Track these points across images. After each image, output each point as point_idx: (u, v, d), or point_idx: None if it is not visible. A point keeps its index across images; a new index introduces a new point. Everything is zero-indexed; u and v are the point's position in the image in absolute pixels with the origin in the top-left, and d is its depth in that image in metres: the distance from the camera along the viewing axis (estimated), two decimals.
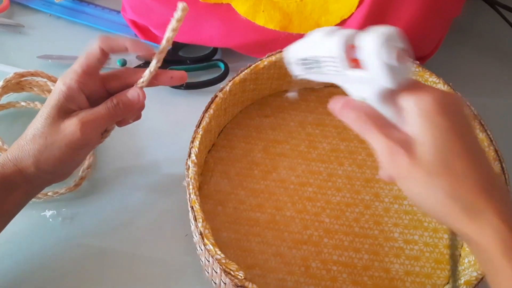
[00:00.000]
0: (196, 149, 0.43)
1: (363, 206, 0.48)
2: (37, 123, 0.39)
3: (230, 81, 0.47)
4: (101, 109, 0.39)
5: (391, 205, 0.48)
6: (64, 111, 0.39)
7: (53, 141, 0.38)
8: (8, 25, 0.60)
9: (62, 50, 0.58)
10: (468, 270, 0.41)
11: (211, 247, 0.38)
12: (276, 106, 0.54)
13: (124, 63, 0.56)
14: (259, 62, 0.48)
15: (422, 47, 0.53)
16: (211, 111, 0.45)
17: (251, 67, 0.48)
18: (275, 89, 0.54)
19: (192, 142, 0.44)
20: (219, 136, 0.51)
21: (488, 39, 0.63)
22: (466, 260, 0.43)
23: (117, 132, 0.50)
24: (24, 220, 0.46)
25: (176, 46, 0.58)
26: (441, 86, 0.47)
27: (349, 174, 0.50)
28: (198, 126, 0.44)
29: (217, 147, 0.51)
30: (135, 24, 0.57)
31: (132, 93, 0.40)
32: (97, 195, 0.49)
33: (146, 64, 0.57)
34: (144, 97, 0.40)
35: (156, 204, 0.48)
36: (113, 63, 0.56)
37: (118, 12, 0.60)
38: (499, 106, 0.57)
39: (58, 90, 0.39)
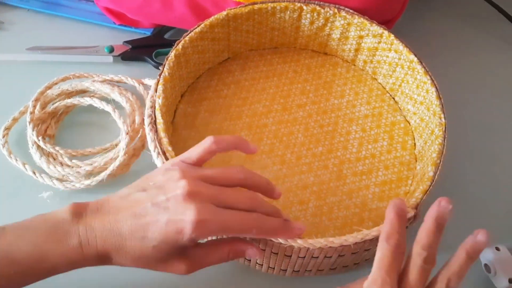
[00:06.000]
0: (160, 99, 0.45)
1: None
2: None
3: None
4: (213, 258, 0.37)
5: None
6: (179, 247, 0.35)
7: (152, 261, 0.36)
8: None
9: (44, 43, 0.59)
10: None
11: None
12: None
13: (112, 49, 0.59)
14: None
15: (388, 10, 0.54)
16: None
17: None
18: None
19: (155, 90, 0.46)
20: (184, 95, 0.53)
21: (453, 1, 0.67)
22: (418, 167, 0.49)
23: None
24: (21, 203, 0.48)
25: (162, 30, 0.61)
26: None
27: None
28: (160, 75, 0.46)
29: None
30: (110, 10, 0.59)
31: (250, 253, 0.38)
32: (96, 188, 0.49)
33: (134, 49, 0.59)
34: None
35: None
36: (101, 50, 0.59)
37: (93, 2, 0.61)
38: (460, 64, 0.61)
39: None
